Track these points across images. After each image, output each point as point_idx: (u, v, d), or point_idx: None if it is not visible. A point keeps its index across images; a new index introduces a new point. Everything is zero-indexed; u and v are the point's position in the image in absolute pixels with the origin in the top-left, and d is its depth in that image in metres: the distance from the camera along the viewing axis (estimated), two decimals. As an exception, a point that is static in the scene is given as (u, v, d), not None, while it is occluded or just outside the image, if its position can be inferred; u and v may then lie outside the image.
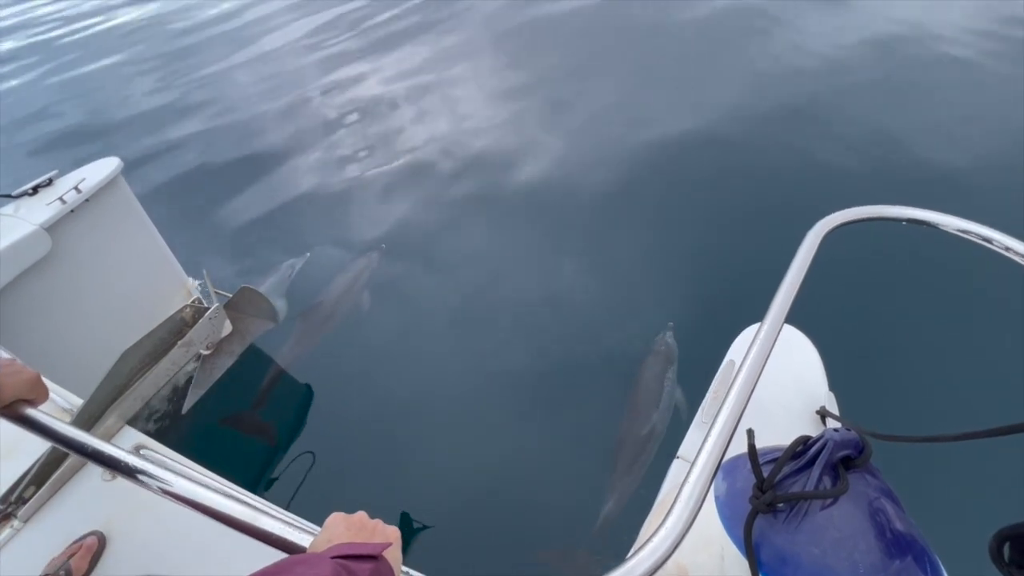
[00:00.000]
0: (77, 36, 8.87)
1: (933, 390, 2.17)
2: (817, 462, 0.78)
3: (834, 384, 1.51)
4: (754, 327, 1.67)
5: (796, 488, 0.79)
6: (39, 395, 0.75)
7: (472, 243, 3.32)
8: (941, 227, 0.80)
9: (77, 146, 5.33)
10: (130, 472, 0.62)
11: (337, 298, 2.83)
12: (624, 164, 3.65)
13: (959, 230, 0.78)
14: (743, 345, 1.66)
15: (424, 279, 3.11)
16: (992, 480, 1.78)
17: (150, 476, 0.60)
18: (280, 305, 2.80)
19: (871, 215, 0.85)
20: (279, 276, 2.91)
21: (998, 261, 0.82)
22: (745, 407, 0.66)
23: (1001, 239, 0.74)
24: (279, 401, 2.53)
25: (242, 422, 2.42)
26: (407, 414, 2.45)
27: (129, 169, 2.43)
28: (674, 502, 0.60)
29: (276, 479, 2.23)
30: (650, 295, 2.80)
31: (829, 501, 0.76)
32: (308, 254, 3.09)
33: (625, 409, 2.24)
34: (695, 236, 3.08)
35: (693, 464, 0.62)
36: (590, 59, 5.12)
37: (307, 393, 2.58)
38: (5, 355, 1.42)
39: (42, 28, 9.98)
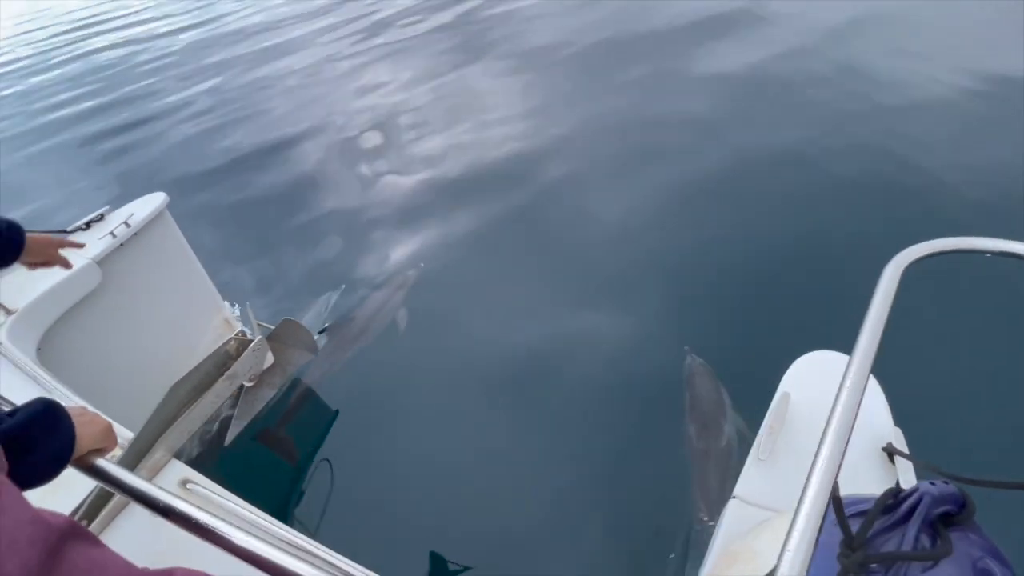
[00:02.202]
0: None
1: (1006, 425, 2.03)
2: (913, 518, 0.72)
3: (899, 419, 1.42)
4: (808, 357, 1.60)
5: (889, 547, 0.73)
6: (110, 444, 0.75)
7: (510, 264, 3.32)
8: (1037, 261, 0.75)
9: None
10: (201, 530, 0.61)
11: (371, 314, 2.81)
12: (659, 189, 3.63)
13: (1059, 265, 0.73)
14: (797, 377, 1.58)
15: (459, 301, 3.10)
16: None
17: (221, 535, 0.59)
18: (319, 339, 2.83)
19: (957, 247, 0.80)
20: (316, 310, 2.94)
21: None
22: (843, 459, 0.61)
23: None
24: (309, 422, 2.53)
25: (267, 438, 2.44)
26: (443, 440, 2.41)
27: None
28: (779, 563, 0.55)
29: (306, 503, 2.20)
30: (685, 324, 2.73)
31: (930, 564, 0.69)
32: (343, 286, 3.11)
33: (689, 428, 2.14)
34: (728, 260, 3.01)
35: (795, 521, 0.57)
36: (612, 80, 5.17)
37: (333, 416, 2.57)
38: (75, 401, 1.45)
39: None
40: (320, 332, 2.77)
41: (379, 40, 7.68)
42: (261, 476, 2.36)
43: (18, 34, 14.53)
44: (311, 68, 7.29)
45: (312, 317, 2.93)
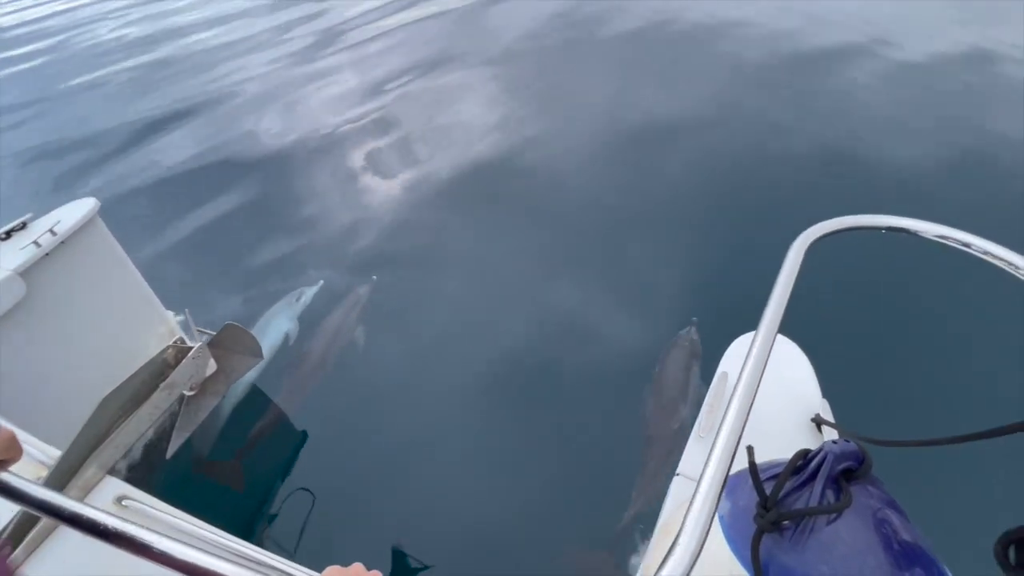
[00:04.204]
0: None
1: (926, 392, 2.19)
2: (819, 476, 0.77)
3: (827, 391, 1.51)
4: (744, 338, 1.69)
5: (800, 504, 0.78)
6: (13, 455, 0.71)
7: (471, 252, 3.32)
8: (920, 234, 0.82)
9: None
10: (113, 537, 0.59)
11: (328, 341, 2.71)
12: (619, 177, 3.72)
13: (938, 236, 0.80)
14: (734, 357, 1.66)
15: (423, 294, 3.08)
16: (995, 482, 1.79)
17: (133, 540, 0.57)
18: (291, 329, 2.76)
19: (851, 225, 0.86)
20: (287, 300, 2.85)
21: (984, 265, 0.84)
22: (745, 423, 0.65)
23: (979, 243, 0.76)
24: (271, 441, 2.46)
25: (216, 468, 2.32)
26: (406, 440, 2.39)
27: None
28: (681, 528, 0.59)
29: (268, 524, 2.15)
30: (648, 302, 2.81)
31: (834, 516, 0.75)
32: (321, 282, 3.01)
33: (650, 406, 2.19)
34: (689, 246, 3.12)
35: (697, 487, 0.60)
36: (571, 69, 5.25)
37: (301, 434, 2.51)
38: None
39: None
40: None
41: (340, 43, 7.51)
42: (225, 499, 2.28)
43: None
44: (267, 65, 7.06)
45: (284, 307, 2.83)
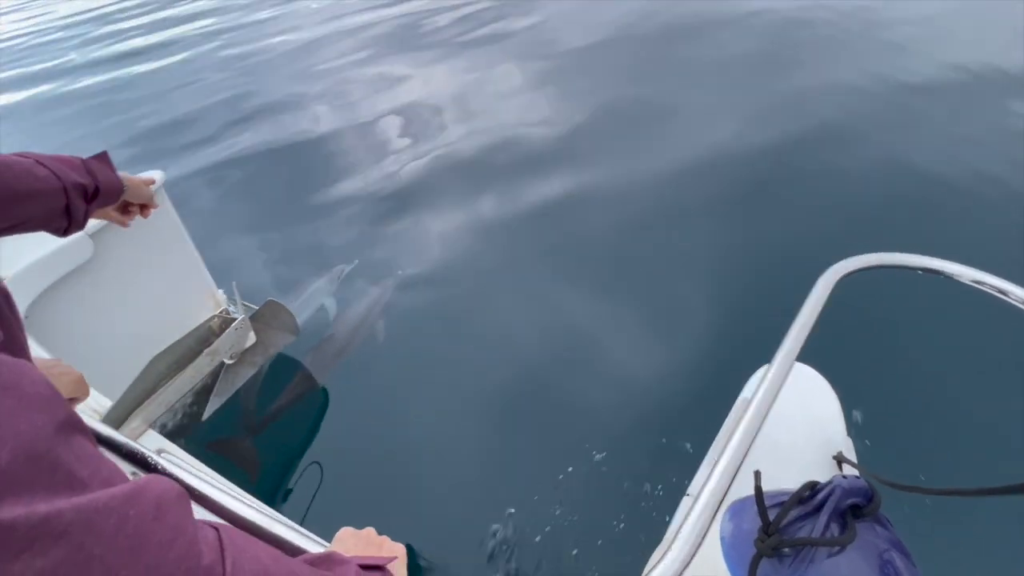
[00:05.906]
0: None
1: (957, 441, 2.09)
2: (824, 508, 0.78)
3: (854, 430, 1.47)
4: (768, 366, 1.66)
5: (803, 534, 0.79)
6: (82, 394, 0.80)
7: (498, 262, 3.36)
8: (956, 278, 0.80)
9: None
10: (167, 476, 0.66)
11: (349, 332, 2.76)
12: (648, 188, 3.71)
13: (974, 281, 0.78)
14: (756, 384, 1.64)
15: (445, 302, 3.14)
16: (1009, 540, 1.69)
17: (179, 481, 0.63)
18: (329, 304, 2.87)
19: (884, 263, 0.86)
20: (328, 278, 2.97)
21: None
22: (751, 445, 0.66)
23: (1017, 291, 0.74)
24: (293, 409, 2.55)
25: (230, 448, 2.25)
26: (425, 433, 2.45)
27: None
28: (673, 539, 0.61)
29: (289, 490, 2.25)
30: (666, 330, 2.78)
31: (836, 549, 0.75)
32: (356, 261, 3.13)
33: None
34: (711, 269, 3.07)
35: (695, 501, 0.62)
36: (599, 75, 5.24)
37: (323, 403, 2.59)
38: (47, 356, 1.50)
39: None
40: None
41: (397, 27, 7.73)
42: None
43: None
44: (317, 48, 7.34)
45: (324, 284, 2.95)
